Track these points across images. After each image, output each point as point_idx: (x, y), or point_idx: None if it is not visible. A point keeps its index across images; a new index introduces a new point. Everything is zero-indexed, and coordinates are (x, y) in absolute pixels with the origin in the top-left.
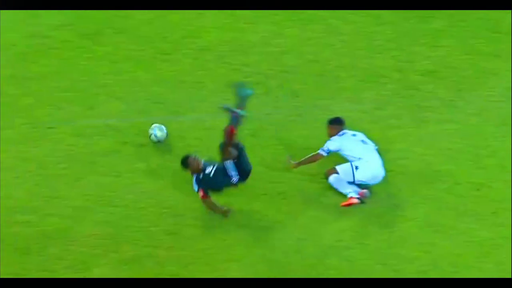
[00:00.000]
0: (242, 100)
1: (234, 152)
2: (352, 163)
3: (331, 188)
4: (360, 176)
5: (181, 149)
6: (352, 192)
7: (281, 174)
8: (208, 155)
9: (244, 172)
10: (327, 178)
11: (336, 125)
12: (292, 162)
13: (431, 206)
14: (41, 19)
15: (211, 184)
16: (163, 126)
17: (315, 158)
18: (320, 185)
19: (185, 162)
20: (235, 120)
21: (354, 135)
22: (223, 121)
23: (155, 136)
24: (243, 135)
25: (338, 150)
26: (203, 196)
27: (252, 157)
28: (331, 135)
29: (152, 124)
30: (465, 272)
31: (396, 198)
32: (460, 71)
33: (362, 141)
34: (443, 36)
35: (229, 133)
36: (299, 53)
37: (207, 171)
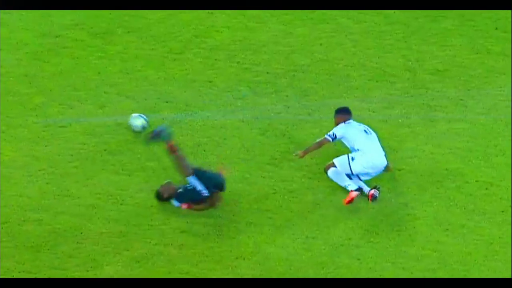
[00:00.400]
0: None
1: (188, 168)
2: (349, 154)
3: (340, 187)
4: (356, 167)
5: (191, 148)
6: (351, 185)
7: (291, 172)
8: (217, 154)
9: (212, 184)
10: (326, 172)
11: (343, 114)
12: (299, 152)
13: (440, 205)
14: (53, 18)
15: (188, 199)
16: (143, 115)
17: (321, 143)
18: (329, 184)
19: (159, 195)
20: (162, 136)
21: (359, 124)
22: (233, 119)
23: (136, 126)
24: (253, 135)
25: (342, 137)
26: (188, 207)
27: (261, 156)
28: (337, 124)
29: (136, 115)
30: (474, 271)
31: (405, 196)
32: (469, 70)
33: (365, 131)
34: (452, 35)
35: (170, 149)
36: (309, 52)
37: (180, 190)
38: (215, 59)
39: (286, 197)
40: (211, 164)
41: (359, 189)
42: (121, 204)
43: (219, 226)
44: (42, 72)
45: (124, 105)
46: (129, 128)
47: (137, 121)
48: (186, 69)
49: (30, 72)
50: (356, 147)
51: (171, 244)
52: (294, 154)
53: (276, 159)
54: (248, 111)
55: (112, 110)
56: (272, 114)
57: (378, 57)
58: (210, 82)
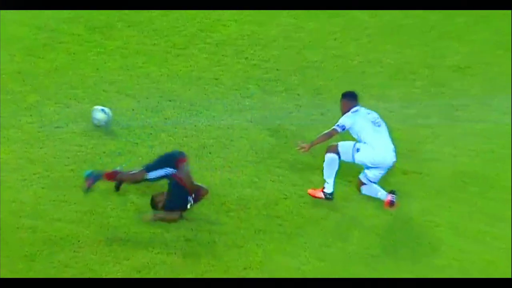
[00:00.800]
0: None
1: (136, 175)
2: (356, 144)
3: (357, 191)
4: (360, 158)
5: (196, 150)
6: (329, 184)
7: (302, 176)
8: (224, 156)
9: (166, 161)
10: (359, 191)
11: (350, 99)
12: (304, 144)
13: (462, 211)
14: (48, 11)
15: (176, 200)
16: (106, 109)
17: (329, 135)
18: (345, 188)
19: (155, 205)
20: (94, 178)
21: (368, 113)
22: (241, 119)
23: (97, 119)
24: (262, 136)
25: (350, 128)
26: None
27: (271, 159)
28: (344, 110)
29: (99, 107)
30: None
31: (424, 202)
32: (493, 67)
33: (374, 122)
34: (475, 30)
35: (109, 179)
36: (322, 48)
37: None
38: (222, 55)
39: (297, 202)
40: (217, 168)
41: (392, 191)
42: (121, 210)
43: (225, 233)
44: (36, 69)
45: (124, 104)
46: (92, 120)
47: (99, 114)
48: (190, 66)
49: (23, 69)
50: (362, 139)
51: (175, 253)
52: (297, 147)
53: (286, 162)
54: (256, 111)
55: (111, 110)
56: (283, 114)
57: (396, 53)
58: (216, 79)
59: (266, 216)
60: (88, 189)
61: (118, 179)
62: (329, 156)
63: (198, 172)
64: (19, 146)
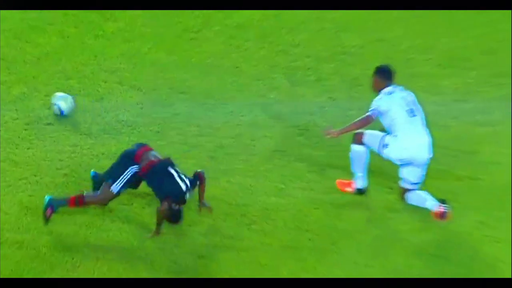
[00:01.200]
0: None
1: (103, 196)
2: (385, 137)
3: (401, 200)
4: (388, 154)
5: (212, 151)
6: (359, 178)
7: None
8: (245, 159)
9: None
10: (403, 199)
11: (384, 76)
12: (333, 130)
13: None
14: None
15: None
16: (69, 96)
17: (364, 122)
18: (385, 196)
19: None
20: (56, 206)
21: (403, 98)
22: (265, 115)
23: (59, 108)
24: (290, 135)
25: (383, 113)
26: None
27: (300, 162)
28: (376, 88)
29: (61, 94)
30: None
31: (482, 213)
32: None
33: (409, 111)
34: None
35: (76, 205)
36: (361, 31)
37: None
38: (243, 39)
39: (331, 213)
40: (236, 172)
41: (443, 201)
42: (123, 222)
43: (246, 250)
44: (23, 55)
45: (128, 97)
46: (51, 104)
47: (62, 102)
48: (205, 52)
49: (8, 56)
50: (393, 131)
51: (185, 272)
52: (325, 133)
53: (318, 165)
54: (283, 105)
55: (112, 104)
56: (314, 109)
57: (449, 37)
58: (236, 68)
59: (294, 230)
60: (47, 220)
61: (85, 205)
62: (355, 148)
63: (213, 177)
64: (3, 146)
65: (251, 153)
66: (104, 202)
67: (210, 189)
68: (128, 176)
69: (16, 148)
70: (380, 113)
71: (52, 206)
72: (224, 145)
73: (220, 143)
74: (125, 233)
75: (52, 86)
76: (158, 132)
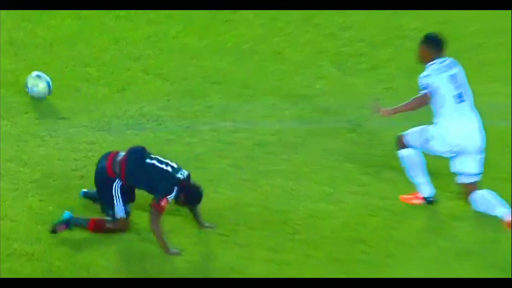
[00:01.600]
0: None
1: (115, 223)
2: (427, 130)
3: (466, 208)
4: (434, 148)
5: (249, 149)
6: (423, 185)
7: (395, 187)
8: (287, 158)
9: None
10: (468, 202)
11: (435, 46)
12: (384, 109)
13: None
14: None
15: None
16: (43, 75)
17: (421, 101)
18: (449, 203)
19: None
20: (75, 224)
21: (452, 78)
22: (310, 108)
23: (32, 90)
24: (340, 131)
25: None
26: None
27: (351, 163)
28: (423, 59)
29: (37, 73)
30: None
31: None
32: None
33: (459, 95)
34: None
35: (100, 230)
36: (421, 11)
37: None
38: (285, 22)
39: (387, 221)
40: (277, 174)
41: (429, 201)
42: (148, 232)
43: (288, 264)
44: (34, 39)
45: (153, 87)
46: (26, 91)
47: (38, 83)
48: (242, 36)
49: (16, 40)
50: (436, 116)
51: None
52: (374, 109)
53: (373, 166)
54: (332, 97)
55: (135, 95)
56: (367, 101)
57: None
58: (278, 53)
59: (345, 240)
60: (55, 233)
61: (105, 231)
62: (404, 153)
63: (251, 179)
64: (11, 144)
65: (295, 152)
66: (124, 230)
67: (247, 193)
68: (119, 195)
69: (26, 146)
70: (434, 91)
71: (68, 225)
72: (263, 143)
73: (258, 141)
74: (149, 243)
75: (66, 74)
76: (188, 127)
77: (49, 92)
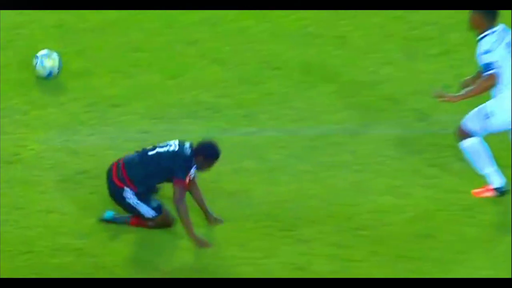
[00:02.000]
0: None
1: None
2: (485, 107)
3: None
4: (495, 123)
5: (311, 139)
6: (492, 175)
7: (464, 180)
8: (351, 149)
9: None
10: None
11: (490, 14)
12: (451, 94)
13: None
14: None
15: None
16: (55, 53)
17: (488, 84)
18: None
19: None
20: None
21: (508, 44)
22: (376, 95)
23: (42, 66)
24: (407, 120)
25: None
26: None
27: (419, 154)
28: (475, 27)
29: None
30: None
31: None
32: None
33: None
34: None
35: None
36: None
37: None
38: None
39: (458, 216)
40: (340, 165)
41: (501, 191)
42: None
43: (352, 260)
44: (82, 23)
45: (209, 74)
46: (33, 63)
47: (50, 62)
48: (304, 19)
49: (65, 23)
50: (494, 89)
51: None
52: (438, 95)
53: (441, 158)
54: (399, 83)
55: (190, 81)
56: (438, 88)
57: None
58: (341, 38)
59: (413, 236)
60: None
61: (148, 227)
62: (466, 144)
63: (313, 171)
64: (57, 133)
65: (358, 143)
66: (169, 225)
67: (309, 186)
68: (136, 200)
69: (75, 135)
70: (499, 68)
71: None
72: (326, 132)
73: (321, 130)
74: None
75: (117, 60)
76: (246, 116)
77: (59, 68)
